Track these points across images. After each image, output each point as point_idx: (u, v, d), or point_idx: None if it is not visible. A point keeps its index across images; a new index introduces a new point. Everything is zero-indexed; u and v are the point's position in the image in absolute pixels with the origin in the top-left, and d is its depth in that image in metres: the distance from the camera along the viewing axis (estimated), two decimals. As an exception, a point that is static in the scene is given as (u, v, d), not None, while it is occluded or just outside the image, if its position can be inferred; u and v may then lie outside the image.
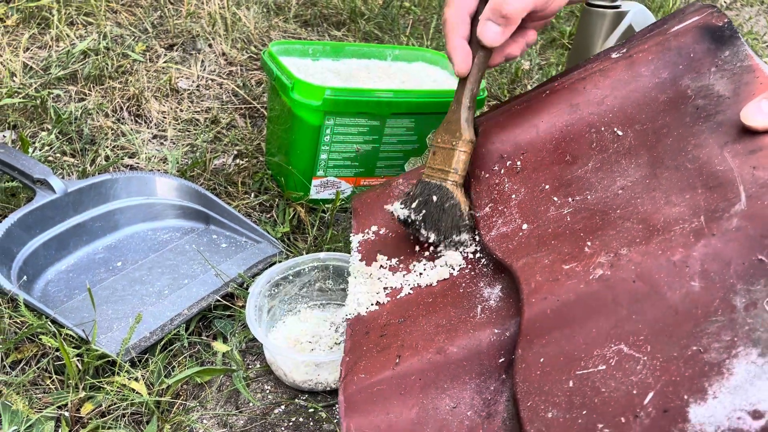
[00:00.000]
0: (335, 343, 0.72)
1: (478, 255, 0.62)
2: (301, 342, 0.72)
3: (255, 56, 1.32)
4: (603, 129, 0.60)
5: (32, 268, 0.76)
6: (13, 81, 1.10)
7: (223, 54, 1.30)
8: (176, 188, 0.89)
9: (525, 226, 0.58)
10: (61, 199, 0.81)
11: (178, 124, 1.11)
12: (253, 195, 0.96)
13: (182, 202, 0.89)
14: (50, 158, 0.97)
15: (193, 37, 1.33)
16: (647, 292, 0.46)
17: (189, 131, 1.10)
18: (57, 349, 0.67)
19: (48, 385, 0.65)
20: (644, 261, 0.48)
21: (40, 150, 0.97)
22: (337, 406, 0.68)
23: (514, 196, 0.61)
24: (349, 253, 0.71)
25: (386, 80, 0.98)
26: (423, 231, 0.63)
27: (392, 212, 0.65)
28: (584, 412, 0.44)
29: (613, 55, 0.63)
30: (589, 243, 0.52)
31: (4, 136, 1.00)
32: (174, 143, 1.06)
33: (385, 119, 0.89)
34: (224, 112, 1.15)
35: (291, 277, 0.74)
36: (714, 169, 0.51)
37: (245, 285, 0.78)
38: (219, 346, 0.72)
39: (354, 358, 0.58)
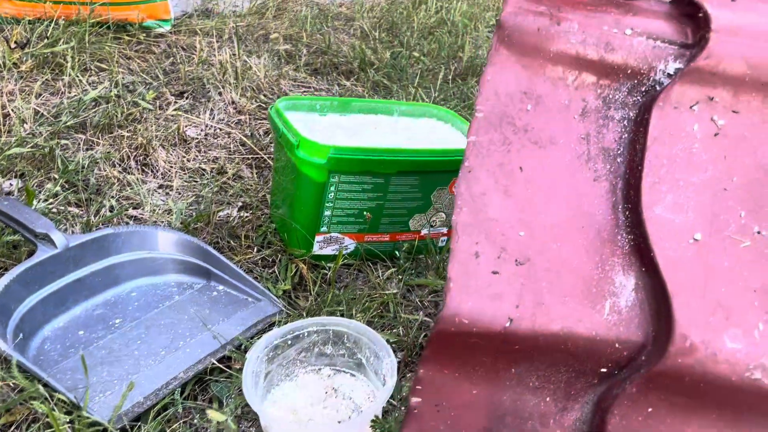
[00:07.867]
0: (334, 411, 0.70)
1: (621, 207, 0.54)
2: (297, 410, 0.70)
3: (264, 105, 1.33)
4: None
5: (29, 325, 0.75)
6: (24, 128, 1.11)
7: (233, 102, 1.31)
8: (178, 243, 0.88)
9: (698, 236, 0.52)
10: (62, 254, 0.80)
11: (185, 173, 1.11)
12: (255, 249, 0.95)
13: (183, 257, 0.88)
14: (54, 210, 0.97)
15: (203, 85, 1.34)
16: None
17: (195, 181, 1.10)
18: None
19: (37, 451, 0.64)
20: None
21: (44, 201, 0.97)
22: (332, 479, 0.65)
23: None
24: (350, 317, 0.70)
25: (393, 136, 0.97)
26: None
27: None
28: None
29: None
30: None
31: (11, 185, 1.01)
32: (180, 193, 1.06)
33: (389, 177, 0.88)
34: (231, 162, 1.15)
35: (290, 341, 0.73)
36: None
37: (243, 347, 0.77)
38: (214, 414, 0.70)
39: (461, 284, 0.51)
